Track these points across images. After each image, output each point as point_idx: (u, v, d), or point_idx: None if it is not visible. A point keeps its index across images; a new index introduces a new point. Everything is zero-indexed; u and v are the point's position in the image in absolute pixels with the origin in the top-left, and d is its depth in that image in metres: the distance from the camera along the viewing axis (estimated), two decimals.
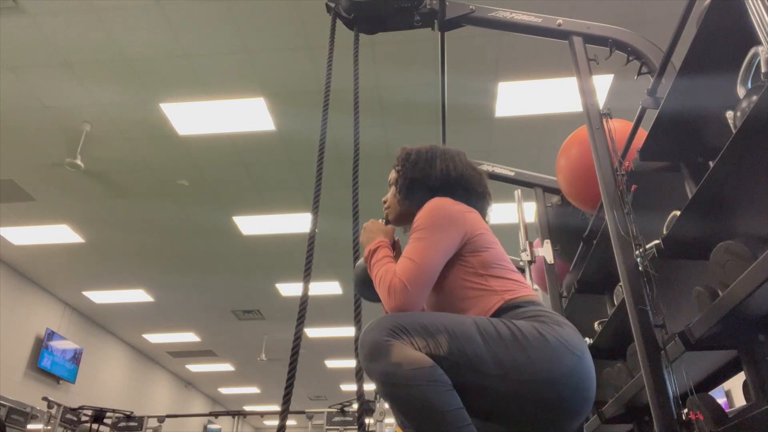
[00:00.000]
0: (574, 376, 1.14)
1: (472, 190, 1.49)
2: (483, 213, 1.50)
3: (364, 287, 1.53)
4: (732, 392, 5.97)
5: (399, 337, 1.15)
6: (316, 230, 1.79)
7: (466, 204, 1.42)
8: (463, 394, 1.12)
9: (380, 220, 1.55)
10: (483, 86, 4.44)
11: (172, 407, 11.55)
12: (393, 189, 1.56)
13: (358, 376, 1.49)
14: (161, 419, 7.53)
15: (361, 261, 1.53)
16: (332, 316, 8.66)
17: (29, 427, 6.52)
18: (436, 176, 1.47)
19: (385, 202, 1.58)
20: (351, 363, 10.49)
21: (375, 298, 1.46)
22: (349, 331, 9.20)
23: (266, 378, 11.94)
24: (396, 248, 1.51)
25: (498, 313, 1.26)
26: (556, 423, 1.17)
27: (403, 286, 1.24)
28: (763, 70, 1.21)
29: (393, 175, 1.57)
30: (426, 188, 1.47)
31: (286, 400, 1.42)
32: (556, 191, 3.11)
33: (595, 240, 2.40)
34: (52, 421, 6.61)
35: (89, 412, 7.06)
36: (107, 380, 9.62)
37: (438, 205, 1.36)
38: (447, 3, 2.36)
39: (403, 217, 1.52)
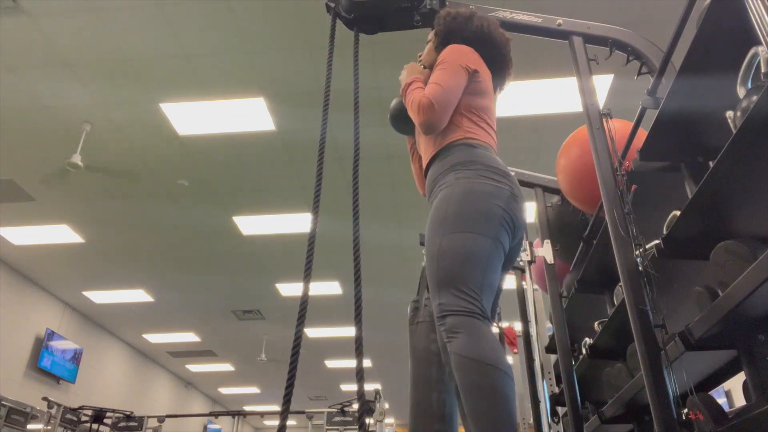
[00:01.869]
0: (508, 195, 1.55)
1: (498, 51, 1.81)
2: (503, 75, 1.86)
3: (398, 119, 1.83)
4: (732, 392, 5.97)
5: (485, 318, 1.40)
6: (316, 230, 1.78)
7: (488, 63, 1.75)
8: None
9: (419, 64, 1.84)
10: None
11: (172, 407, 11.55)
12: (429, 45, 1.86)
13: (359, 376, 1.49)
14: (161, 419, 7.53)
15: (396, 99, 1.83)
16: (332, 316, 8.66)
17: (29, 427, 6.52)
18: (471, 29, 1.77)
19: (419, 56, 1.90)
20: (351, 363, 10.49)
21: (406, 129, 1.85)
22: (349, 331, 9.20)
23: (266, 378, 11.94)
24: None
25: (456, 143, 1.60)
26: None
27: (430, 104, 1.53)
28: (763, 70, 1.21)
29: (431, 35, 1.87)
30: (460, 38, 1.75)
31: (287, 400, 1.42)
32: (556, 191, 3.10)
33: (595, 240, 2.40)
34: (52, 421, 6.60)
35: (89, 412, 7.06)
36: (107, 380, 9.62)
37: (460, 46, 1.70)
38: (447, 3, 2.36)
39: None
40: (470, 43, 1.74)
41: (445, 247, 1.44)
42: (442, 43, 1.79)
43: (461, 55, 1.66)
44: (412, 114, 1.59)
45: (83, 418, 7.07)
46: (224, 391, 13.29)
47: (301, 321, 1.53)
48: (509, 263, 1.63)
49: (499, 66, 1.83)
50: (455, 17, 1.80)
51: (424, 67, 1.83)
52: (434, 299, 1.43)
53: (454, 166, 1.57)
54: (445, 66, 1.62)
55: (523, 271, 3.28)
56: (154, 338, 9.91)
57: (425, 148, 1.74)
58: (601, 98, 4.30)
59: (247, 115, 4.74)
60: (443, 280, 1.42)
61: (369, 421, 5.85)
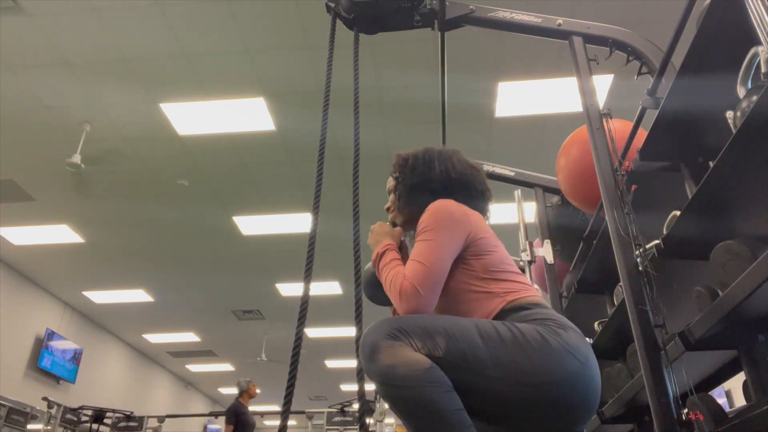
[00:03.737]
0: (577, 380, 1.13)
1: (473, 189, 1.49)
2: (484, 211, 1.51)
3: (374, 290, 1.53)
4: (732, 392, 5.97)
5: (398, 338, 1.14)
6: (316, 230, 1.78)
7: (468, 205, 1.42)
8: (464, 396, 1.11)
9: (387, 223, 1.53)
10: (483, 86, 4.44)
11: (172, 407, 11.55)
12: (393, 197, 1.55)
13: (359, 376, 1.49)
14: (161, 419, 7.54)
15: (369, 264, 1.52)
16: (332, 316, 8.66)
17: (29, 427, 6.52)
18: (437, 179, 1.46)
19: (388, 209, 1.57)
20: (351, 363, 10.49)
21: (385, 301, 1.46)
22: (349, 331, 9.20)
23: (266, 378, 11.93)
24: (403, 250, 1.50)
25: (501, 315, 1.24)
26: (558, 427, 1.16)
27: (414, 290, 1.23)
28: (763, 70, 1.21)
29: (391, 182, 1.56)
30: (427, 192, 1.46)
31: (287, 401, 1.42)
32: (556, 191, 3.11)
33: (595, 240, 2.40)
34: (52, 421, 6.61)
35: (89, 412, 7.06)
36: (107, 380, 9.62)
37: (442, 206, 1.36)
38: (447, 3, 2.36)
39: (409, 222, 1.51)
40: (440, 195, 1.43)
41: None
42: (409, 203, 1.49)
43: (445, 220, 1.33)
44: (393, 300, 1.28)
45: (83, 418, 7.07)
46: (224, 391, 13.28)
47: (301, 321, 1.53)
48: None
49: (479, 203, 1.50)
50: (413, 168, 1.49)
51: (395, 225, 1.52)
52: None
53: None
54: (426, 237, 1.30)
55: (523, 271, 3.28)
56: (154, 338, 9.91)
57: None
58: (601, 98, 4.31)
59: (247, 115, 4.74)
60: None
61: (369, 421, 5.85)
